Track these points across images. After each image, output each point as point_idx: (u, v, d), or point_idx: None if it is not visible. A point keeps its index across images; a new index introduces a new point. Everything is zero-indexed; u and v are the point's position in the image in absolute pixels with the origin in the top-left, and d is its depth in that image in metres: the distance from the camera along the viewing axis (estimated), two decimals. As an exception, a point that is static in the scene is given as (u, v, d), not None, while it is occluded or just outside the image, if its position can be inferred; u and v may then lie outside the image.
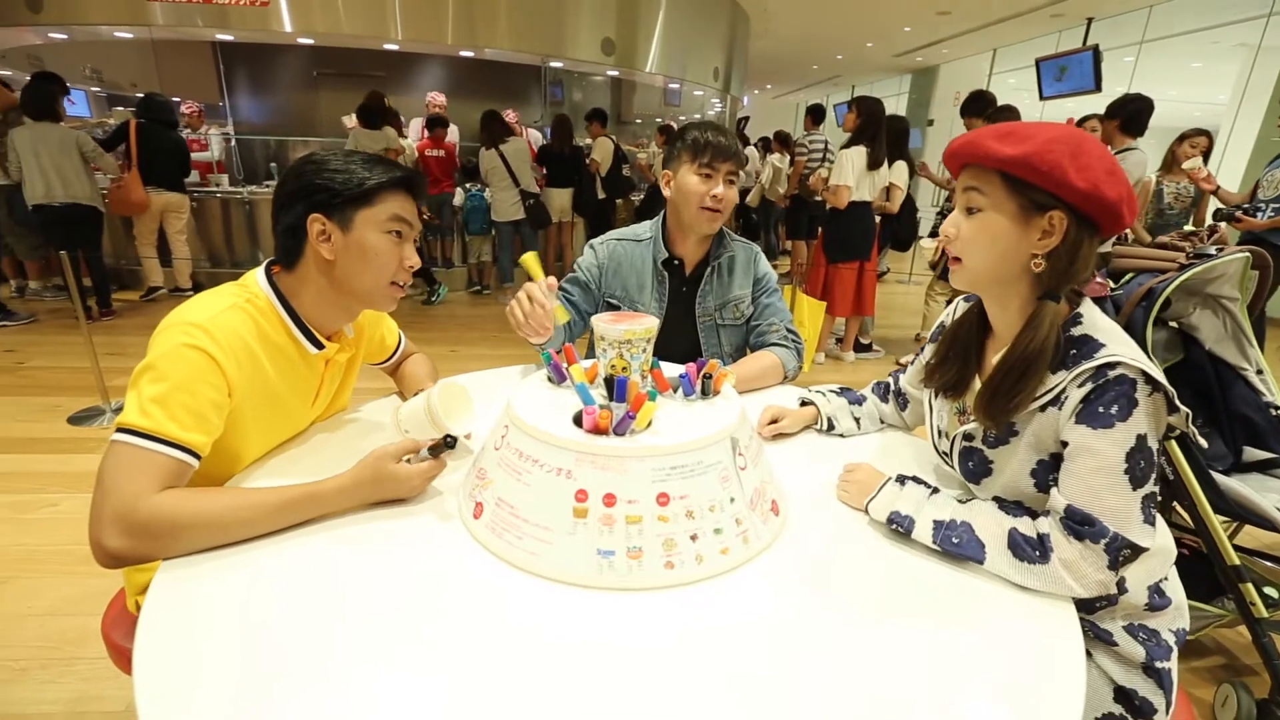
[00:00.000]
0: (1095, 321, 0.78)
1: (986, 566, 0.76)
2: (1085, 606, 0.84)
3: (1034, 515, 0.79)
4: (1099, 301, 1.44)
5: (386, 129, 4.77)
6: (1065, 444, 0.76)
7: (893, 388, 1.18)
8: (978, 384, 0.89)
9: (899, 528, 0.81)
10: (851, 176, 3.47)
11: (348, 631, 0.65)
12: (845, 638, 0.67)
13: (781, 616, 0.70)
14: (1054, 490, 0.77)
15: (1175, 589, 0.87)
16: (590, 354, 1.17)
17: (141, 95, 4.62)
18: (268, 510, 0.78)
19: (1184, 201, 3.76)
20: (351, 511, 0.84)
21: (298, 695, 0.57)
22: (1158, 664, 0.81)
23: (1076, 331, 0.78)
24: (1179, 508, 1.42)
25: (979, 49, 9.82)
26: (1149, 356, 1.35)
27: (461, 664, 0.62)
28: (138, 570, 0.96)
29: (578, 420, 0.82)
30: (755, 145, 7.65)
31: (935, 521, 0.79)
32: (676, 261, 1.47)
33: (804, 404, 1.18)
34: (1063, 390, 0.76)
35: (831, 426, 1.14)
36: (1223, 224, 2.85)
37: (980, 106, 3.86)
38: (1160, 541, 0.84)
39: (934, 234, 4.44)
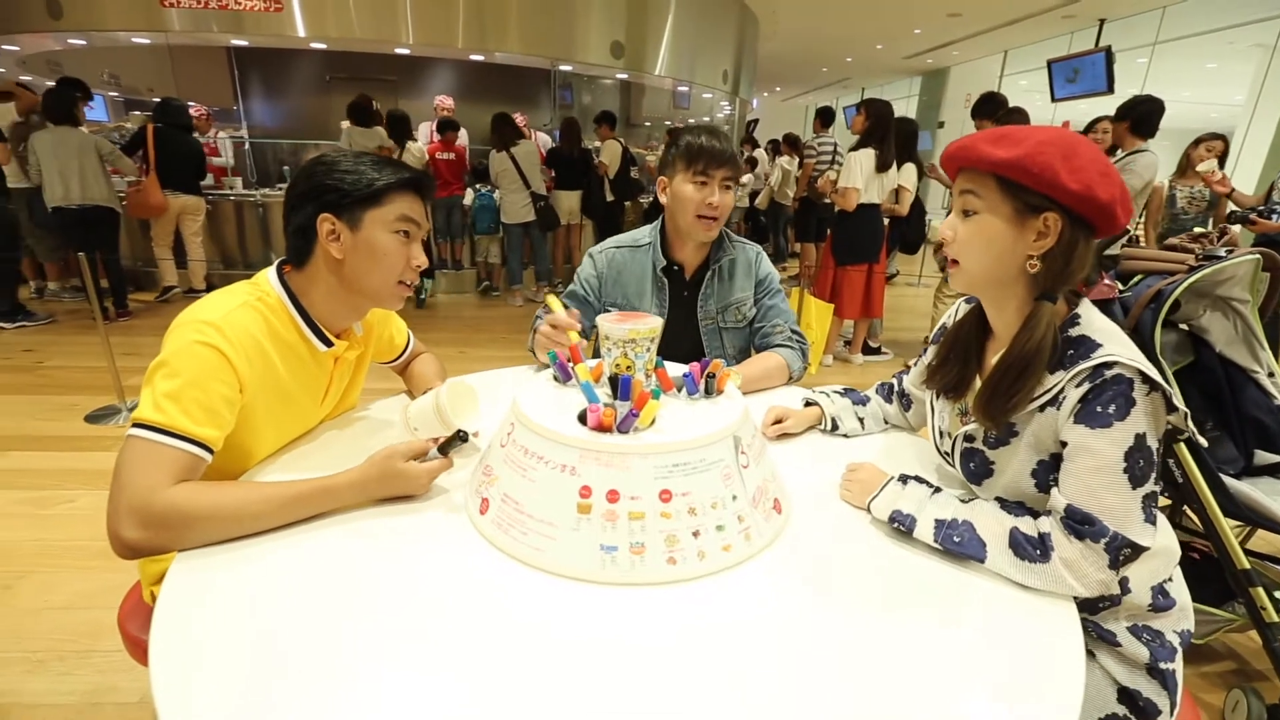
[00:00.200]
0: (1093, 322, 0.79)
1: (988, 565, 0.76)
2: (1089, 607, 0.84)
3: (1035, 515, 0.79)
4: (1108, 303, 1.44)
5: (377, 128, 4.86)
6: (1064, 444, 0.77)
7: (896, 389, 1.18)
8: (978, 385, 0.89)
9: (901, 526, 0.82)
10: (860, 179, 3.47)
11: (357, 622, 0.66)
12: (846, 634, 0.68)
13: (783, 613, 0.71)
14: (1054, 490, 0.77)
15: (1180, 590, 0.87)
16: (597, 354, 1.18)
17: (158, 100, 4.70)
18: (279, 503, 0.80)
19: (1198, 205, 3.73)
20: (360, 507, 0.86)
21: (308, 686, 0.59)
22: (1162, 665, 0.81)
23: (1074, 332, 0.78)
24: (1189, 511, 1.41)
25: (990, 51, 9.76)
26: (1158, 358, 1.35)
27: (466, 656, 0.63)
28: (152, 562, 0.99)
29: (582, 418, 0.83)
30: (764, 148, 7.65)
31: (937, 520, 0.80)
32: (676, 267, 1.47)
33: (808, 404, 1.18)
34: (1061, 390, 0.76)
35: (835, 427, 1.14)
36: (1235, 227, 2.82)
37: (991, 108, 3.84)
38: (1163, 542, 0.84)
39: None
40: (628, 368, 0.92)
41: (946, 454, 0.96)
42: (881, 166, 3.49)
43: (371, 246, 0.93)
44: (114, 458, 0.78)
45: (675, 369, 1.01)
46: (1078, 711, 0.60)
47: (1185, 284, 1.33)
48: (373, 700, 0.57)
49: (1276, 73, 6.40)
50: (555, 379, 0.97)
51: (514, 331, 4.48)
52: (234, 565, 0.74)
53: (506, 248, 5.29)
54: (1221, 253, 1.41)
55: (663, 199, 1.43)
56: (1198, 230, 1.62)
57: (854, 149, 3.54)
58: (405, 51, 6.08)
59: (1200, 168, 3.52)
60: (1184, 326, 1.46)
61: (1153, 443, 0.73)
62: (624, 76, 7.42)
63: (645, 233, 1.50)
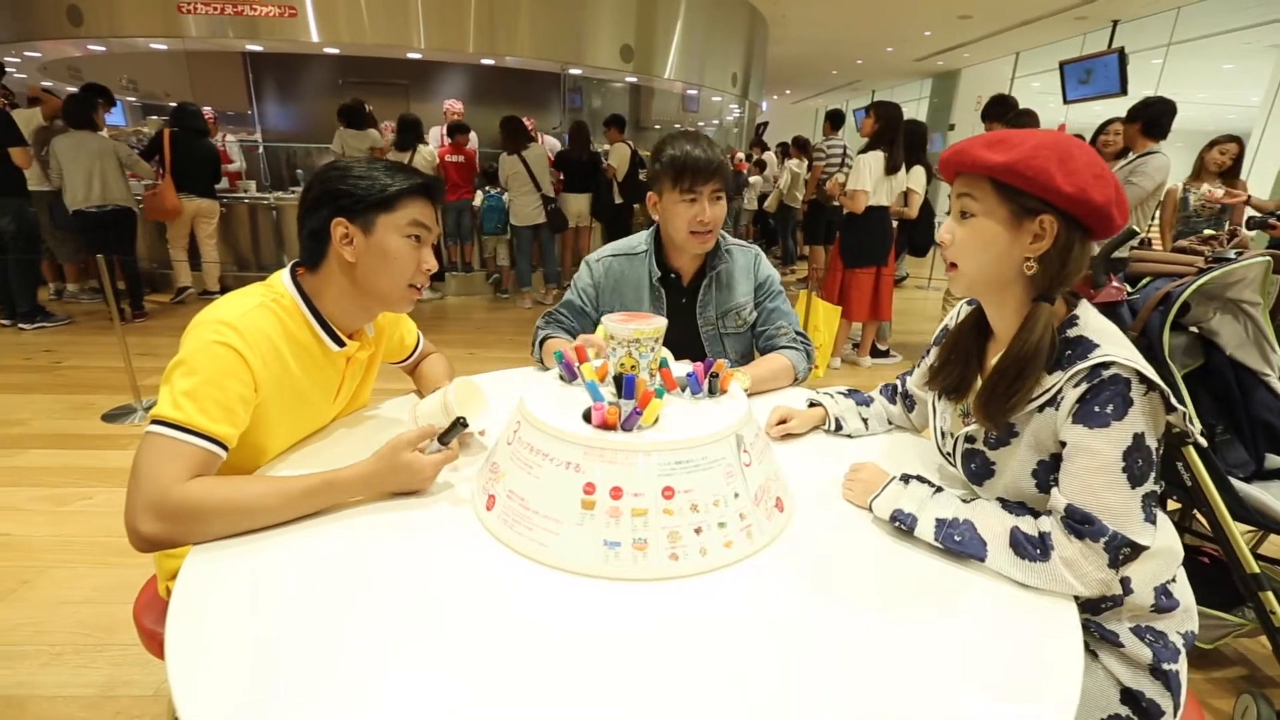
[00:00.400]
0: (1091, 323, 0.79)
1: (988, 564, 0.77)
2: (1091, 607, 0.84)
3: (1036, 515, 0.80)
4: (1116, 306, 1.44)
5: (370, 130, 4.91)
6: (1064, 444, 0.77)
7: (900, 390, 1.19)
8: (980, 386, 0.90)
9: (902, 525, 0.82)
10: (869, 181, 3.46)
11: (366, 615, 0.68)
12: (846, 631, 0.69)
13: (784, 609, 0.72)
14: (1054, 490, 0.78)
15: (1184, 591, 0.86)
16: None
17: (175, 105, 4.79)
18: (290, 496, 0.82)
19: (1211, 208, 3.69)
20: (369, 501, 0.87)
21: (320, 676, 0.60)
22: (1165, 666, 0.81)
23: (1072, 333, 0.79)
24: (1200, 515, 1.40)
25: (1001, 53, 9.71)
26: (1167, 361, 1.34)
27: (471, 648, 0.64)
28: (168, 557, 1.01)
29: (587, 416, 0.84)
30: (774, 151, 7.65)
31: (938, 519, 0.80)
32: (673, 274, 1.46)
33: (812, 405, 1.19)
34: (1059, 391, 0.77)
35: (839, 427, 1.15)
36: (1251, 232, 2.80)
37: (1001, 111, 3.82)
38: (1165, 542, 0.84)
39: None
40: (632, 367, 0.93)
41: (948, 455, 0.97)
42: (890, 169, 3.49)
43: (383, 250, 0.95)
44: (130, 456, 0.80)
45: (679, 368, 1.02)
46: (1074, 710, 0.60)
47: (1193, 286, 1.33)
48: (380, 690, 0.59)
49: (1294, 73, 6.32)
50: (561, 378, 0.99)
51: (523, 333, 4.51)
52: (246, 560, 0.76)
53: (515, 250, 5.33)
54: (1231, 255, 1.40)
55: (654, 215, 1.42)
56: (1207, 232, 1.61)
57: (863, 152, 3.54)
58: (417, 56, 6.15)
59: (1197, 195, 3.51)
60: (1194, 329, 1.46)
61: (1151, 442, 0.73)
62: (633, 80, 7.46)
63: (642, 239, 1.49)
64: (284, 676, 0.60)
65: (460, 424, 0.91)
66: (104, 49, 6.16)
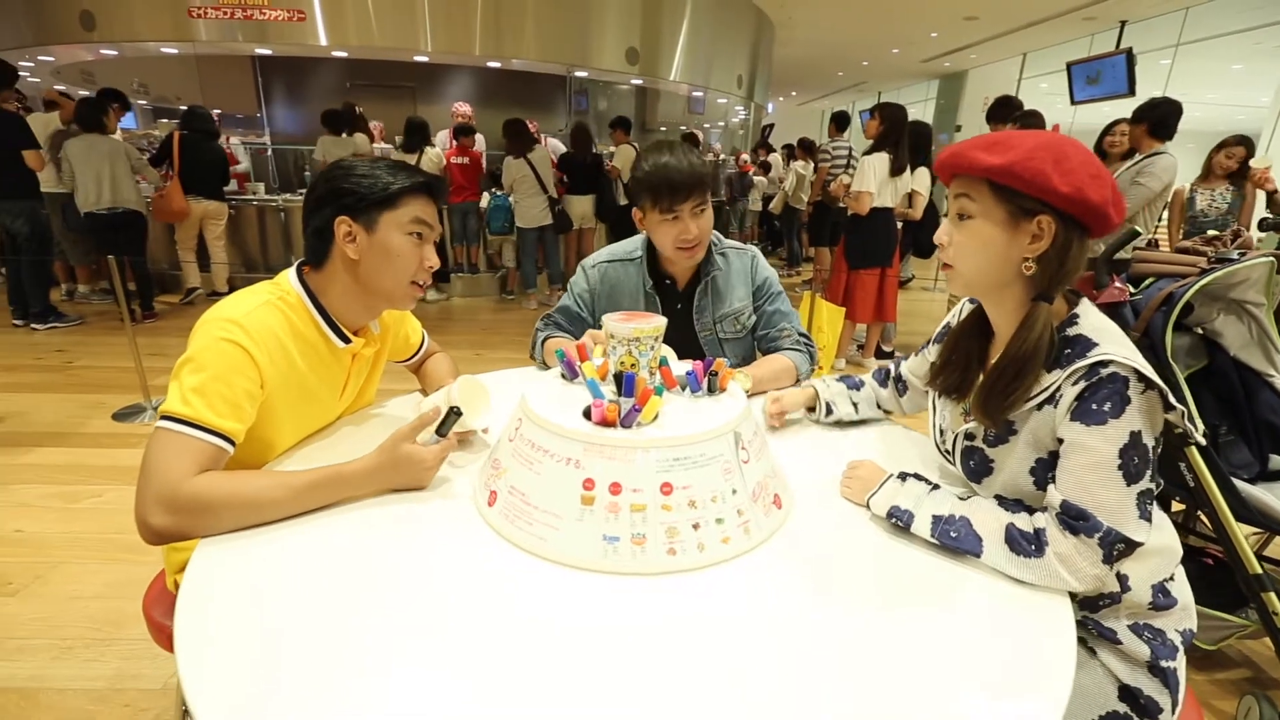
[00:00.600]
0: (1090, 321, 0.80)
1: (984, 560, 0.77)
2: (1089, 605, 0.85)
3: (1032, 512, 0.80)
4: (1119, 307, 1.44)
5: (358, 135, 4.95)
6: (1061, 441, 0.77)
7: (893, 373, 1.19)
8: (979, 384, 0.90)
9: (898, 522, 0.83)
10: (873, 183, 3.46)
11: (370, 609, 0.69)
12: (842, 627, 0.69)
13: (782, 605, 0.72)
14: (1050, 486, 0.78)
15: (1182, 590, 0.87)
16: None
17: (185, 108, 4.84)
18: (296, 490, 0.83)
19: (1218, 209, 3.67)
20: (373, 496, 0.89)
21: (325, 669, 0.62)
22: (1163, 663, 0.81)
23: (1072, 331, 0.79)
24: (1203, 516, 1.40)
25: (1008, 54, 9.68)
26: (1169, 361, 1.34)
27: (472, 641, 0.65)
28: (175, 550, 1.03)
29: (587, 413, 0.85)
30: (779, 152, 7.65)
31: (934, 516, 0.81)
32: (668, 280, 1.46)
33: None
34: (1058, 389, 0.78)
35: (829, 411, 1.16)
36: (1262, 233, 2.77)
37: (1006, 112, 3.82)
38: (1163, 540, 0.84)
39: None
40: (632, 365, 0.94)
41: (947, 452, 0.97)
42: (895, 171, 3.49)
43: (386, 247, 0.97)
44: (140, 454, 0.82)
45: (679, 367, 1.03)
46: (1063, 706, 0.60)
47: (1196, 287, 1.33)
48: (384, 683, 0.60)
49: (1304, 74, 6.27)
50: (563, 377, 1.00)
51: (528, 334, 4.49)
52: (253, 553, 0.78)
53: (520, 252, 5.36)
54: (1234, 255, 1.40)
55: (641, 229, 1.41)
56: (1211, 233, 1.60)
57: (868, 153, 3.54)
58: (424, 59, 6.19)
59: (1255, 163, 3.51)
60: (1198, 330, 1.45)
61: (1148, 440, 0.73)
62: (639, 82, 7.48)
63: (637, 244, 1.48)
64: (290, 668, 0.61)
65: (455, 413, 0.92)
66: (116, 53, 6.24)
